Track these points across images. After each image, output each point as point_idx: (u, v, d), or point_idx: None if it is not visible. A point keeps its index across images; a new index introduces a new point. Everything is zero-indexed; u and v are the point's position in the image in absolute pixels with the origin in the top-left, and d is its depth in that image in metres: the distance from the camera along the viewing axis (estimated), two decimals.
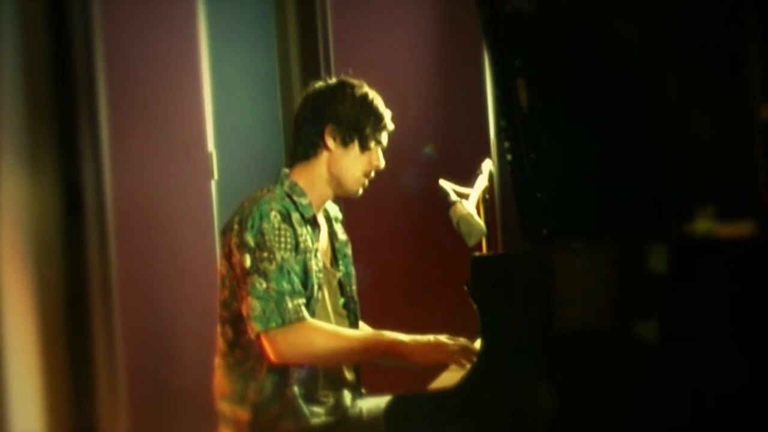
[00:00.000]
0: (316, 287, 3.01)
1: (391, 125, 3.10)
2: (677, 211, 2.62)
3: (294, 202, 3.03)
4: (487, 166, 3.25)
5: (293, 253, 2.95)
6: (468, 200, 3.07)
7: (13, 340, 3.08)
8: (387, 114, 3.09)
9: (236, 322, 3.00)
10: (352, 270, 3.24)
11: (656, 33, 2.64)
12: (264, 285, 2.91)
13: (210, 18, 4.22)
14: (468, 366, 2.82)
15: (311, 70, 4.53)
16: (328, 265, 3.13)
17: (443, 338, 2.95)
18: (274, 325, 2.90)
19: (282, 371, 2.98)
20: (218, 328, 3.07)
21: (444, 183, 3.11)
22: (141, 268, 3.74)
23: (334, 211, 3.25)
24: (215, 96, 4.18)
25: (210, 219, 4.08)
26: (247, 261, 2.93)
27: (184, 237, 3.99)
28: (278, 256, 2.92)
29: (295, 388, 2.98)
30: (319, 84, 3.12)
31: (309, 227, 3.03)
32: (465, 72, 4.45)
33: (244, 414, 3.00)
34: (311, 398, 3.02)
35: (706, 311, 2.50)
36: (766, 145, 2.52)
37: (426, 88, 4.51)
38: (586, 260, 2.58)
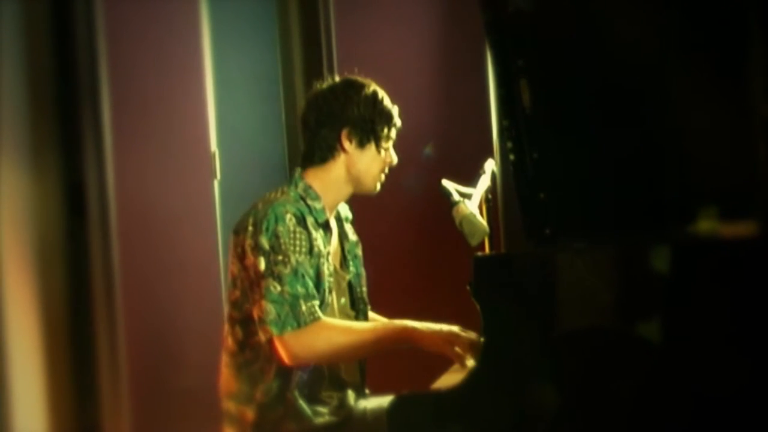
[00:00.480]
0: (327, 291, 3.01)
1: (399, 121, 3.11)
2: (680, 211, 2.62)
3: (308, 206, 3.03)
4: (490, 166, 3.25)
5: (308, 257, 2.95)
6: (471, 200, 3.07)
7: (16, 340, 3.08)
8: (395, 110, 3.11)
9: (247, 322, 3.00)
10: (363, 271, 3.24)
11: (658, 33, 2.63)
12: (279, 288, 2.91)
13: (213, 18, 4.22)
14: (472, 364, 2.82)
15: (314, 71, 4.53)
16: (338, 266, 3.13)
17: (456, 329, 2.95)
18: (289, 329, 2.90)
19: (286, 374, 2.98)
20: (226, 328, 3.06)
21: (446, 183, 3.11)
22: (143, 268, 3.74)
23: (345, 211, 3.25)
24: (218, 96, 4.18)
25: (212, 219, 4.08)
26: (262, 264, 2.93)
27: (187, 237, 3.99)
28: (293, 260, 2.92)
29: (296, 391, 2.99)
30: (326, 85, 3.12)
31: (322, 231, 3.04)
32: (468, 72, 4.46)
33: (249, 414, 3.00)
34: (315, 398, 3.02)
35: (708, 311, 2.50)
36: None
37: (429, 88, 4.51)
38: (589, 260, 2.58)
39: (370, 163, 3.08)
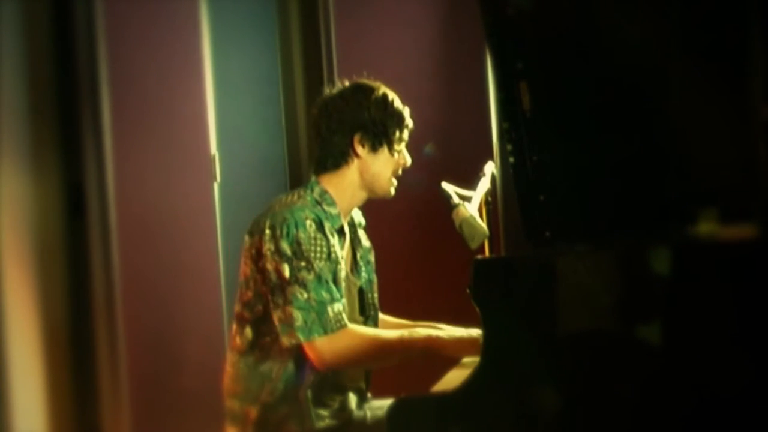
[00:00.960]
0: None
1: (411, 122, 3.11)
2: (680, 213, 2.62)
3: (324, 211, 3.03)
4: (490, 168, 3.25)
5: (327, 262, 2.96)
6: (470, 203, 3.07)
7: (16, 341, 3.08)
8: (406, 111, 3.10)
9: (258, 323, 3.00)
10: (374, 277, 3.24)
11: (659, 35, 2.63)
12: (305, 295, 2.91)
13: (213, 20, 4.22)
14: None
15: (314, 73, 4.54)
16: (348, 272, 3.12)
17: (475, 333, 2.96)
18: (316, 335, 2.91)
19: (298, 375, 2.99)
20: (234, 327, 3.07)
21: (446, 186, 3.11)
22: (143, 270, 3.74)
23: (358, 217, 3.25)
24: (218, 98, 4.18)
25: (212, 221, 4.09)
26: (286, 271, 2.92)
27: (187, 239, 3.99)
28: (316, 266, 2.93)
29: (309, 392, 2.99)
30: (335, 90, 3.12)
31: (337, 236, 3.04)
32: (468, 75, 4.46)
33: (253, 413, 3.00)
34: (318, 401, 3.02)
35: (709, 314, 2.50)
36: None
37: (429, 91, 4.51)
38: (589, 263, 2.58)
39: (383, 167, 3.08)
